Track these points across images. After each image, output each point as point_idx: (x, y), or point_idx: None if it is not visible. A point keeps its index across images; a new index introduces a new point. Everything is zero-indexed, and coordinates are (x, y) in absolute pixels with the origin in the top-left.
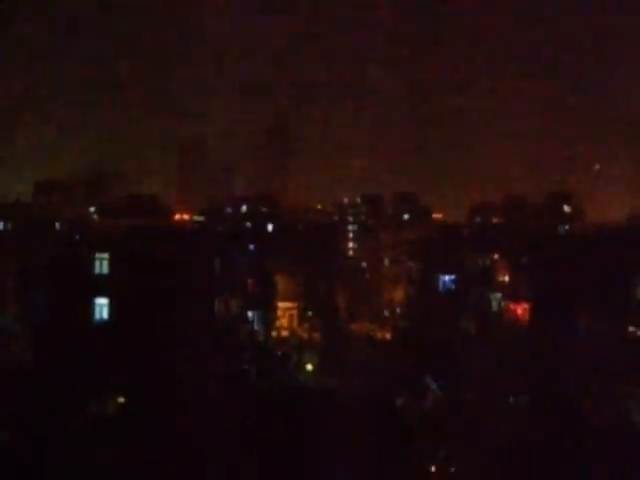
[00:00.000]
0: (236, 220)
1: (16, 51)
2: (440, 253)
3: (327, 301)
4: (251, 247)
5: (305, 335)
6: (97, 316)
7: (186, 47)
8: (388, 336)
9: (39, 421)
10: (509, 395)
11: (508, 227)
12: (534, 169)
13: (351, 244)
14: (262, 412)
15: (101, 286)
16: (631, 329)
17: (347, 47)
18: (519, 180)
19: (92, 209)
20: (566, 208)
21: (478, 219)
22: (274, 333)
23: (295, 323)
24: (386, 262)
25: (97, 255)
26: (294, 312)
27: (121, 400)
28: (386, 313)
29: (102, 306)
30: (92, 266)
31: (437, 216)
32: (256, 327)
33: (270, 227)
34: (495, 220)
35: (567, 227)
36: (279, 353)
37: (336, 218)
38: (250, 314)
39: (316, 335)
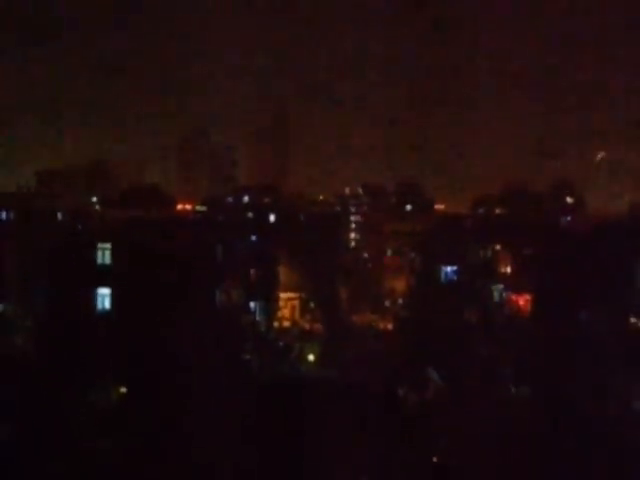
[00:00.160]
0: (238, 210)
1: (17, 39)
2: (442, 244)
3: (329, 292)
4: (253, 237)
5: (307, 326)
6: (99, 306)
7: (187, 36)
8: (390, 327)
9: (41, 410)
10: (510, 385)
11: (510, 218)
12: (536, 160)
13: (353, 235)
14: (264, 402)
15: (103, 276)
16: (633, 320)
17: (349, 35)
18: (521, 171)
19: (94, 199)
20: (568, 199)
21: (480, 210)
22: (276, 324)
23: (297, 314)
24: (388, 253)
25: (99, 245)
26: (296, 303)
27: (123, 390)
28: (388, 304)
29: (104, 296)
30: (94, 256)
31: (439, 207)
32: (258, 318)
33: (272, 218)
34: (497, 211)
35: (569, 218)
36: (281, 344)
37: (338, 209)
38: (252, 305)
39: (318, 326)
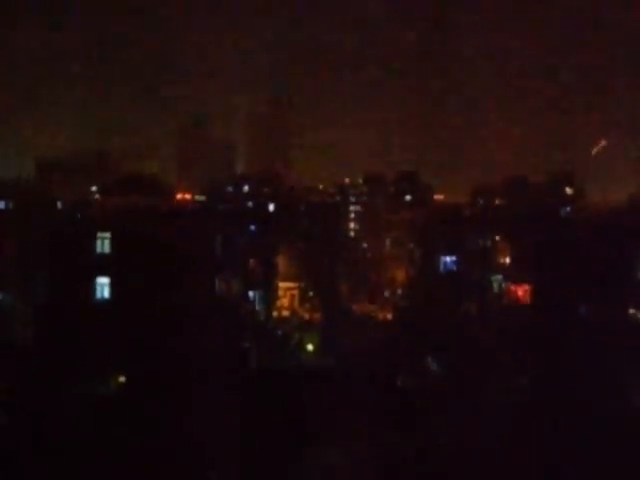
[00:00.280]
0: (237, 200)
1: (17, 27)
2: (441, 234)
3: (328, 281)
4: (252, 227)
5: (306, 315)
6: (98, 295)
7: (187, 26)
8: (389, 316)
9: (40, 399)
10: (509, 376)
11: (509, 209)
12: (536, 150)
13: (352, 224)
14: (263, 391)
15: (102, 265)
16: (632, 311)
17: (350, 24)
18: (521, 161)
19: (94, 188)
20: (568, 190)
21: (480, 200)
22: (275, 313)
23: (296, 303)
24: (387, 243)
25: (98, 234)
26: (295, 292)
27: (122, 379)
28: (387, 294)
29: (103, 285)
30: (93, 245)
31: (439, 197)
32: (257, 307)
33: (272, 207)
34: (497, 202)
35: (569, 208)
36: (280, 333)
37: (338, 198)
38: (251, 294)
39: (317, 315)
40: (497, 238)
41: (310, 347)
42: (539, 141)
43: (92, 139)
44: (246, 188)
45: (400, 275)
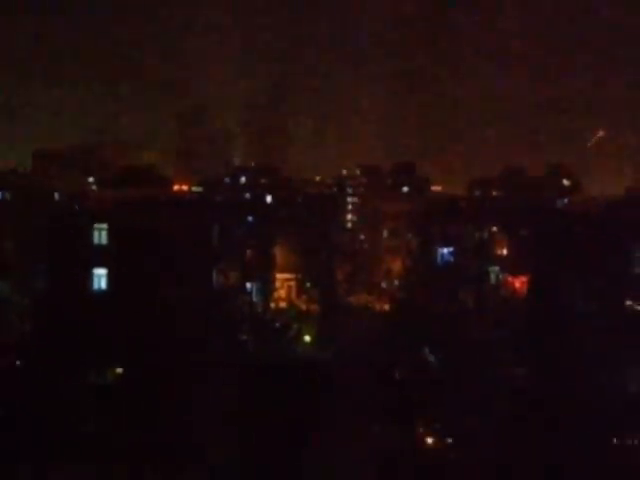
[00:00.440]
0: (235, 191)
1: (14, 19)
2: (438, 225)
3: (325, 273)
4: (250, 218)
5: (303, 306)
6: (95, 286)
7: (185, 16)
8: (386, 308)
9: (37, 390)
10: (506, 367)
11: (507, 200)
12: (533, 142)
13: (350, 216)
14: (260, 383)
15: (99, 256)
16: (628, 303)
17: (348, 16)
18: (518, 153)
19: (91, 179)
20: (565, 181)
21: (477, 192)
22: (272, 304)
23: (293, 294)
24: (385, 234)
25: (95, 225)
26: (292, 283)
27: (119, 370)
28: (384, 285)
29: (100, 276)
30: (90, 236)
31: (436, 188)
32: (254, 298)
33: (269, 198)
34: (494, 193)
35: (566, 200)
36: (277, 324)
37: (335, 190)
38: (248, 285)
39: (314, 307)
40: (494, 230)
41: (307, 338)
42: (536, 133)
43: (89, 131)
44: (243, 179)
45: (397, 266)
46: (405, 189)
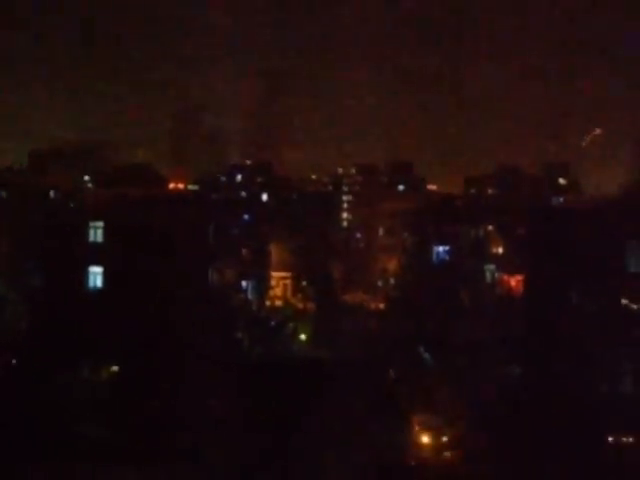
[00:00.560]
0: (231, 189)
1: (10, 17)
2: (434, 224)
3: (321, 271)
4: (246, 216)
5: (299, 305)
6: (91, 284)
7: (181, 15)
8: (382, 306)
9: (33, 389)
10: (501, 365)
11: (503, 199)
12: (529, 140)
13: (345, 214)
14: (255, 381)
15: (95, 254)
16: (624, 302)
17: (343, 14)
18: (514, 151)
19: (87, 177)
20: (561, 180)
21: (473, 190)
22: (268, 302)
23: (289, 293)
24: (380, 232)
25: (91, 223)
26: (288, 282)
27: (114, 368)
28: (380, 283)
29: (96, 274)
30: (86, 234)
31: (432, 187)
32: (250, 296)
33: (265, 197)
34: (490, 191)
35: (561, 199)
36: (273, 323)
37: (331, 188)
38: (244, 283)
39: (310, 305)
40: (490, 228)
41: (303, 337)
42: (533, 131)
43: (85, 129)
44: (239, 177)
45: (393, 265)
46: (401, 188)
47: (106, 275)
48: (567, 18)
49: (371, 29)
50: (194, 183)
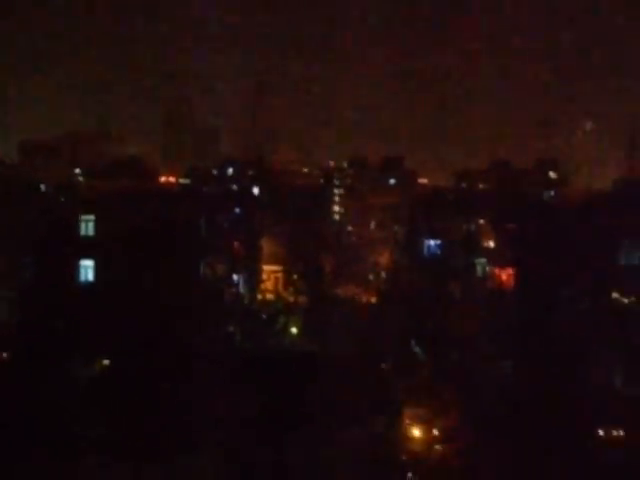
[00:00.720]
0: (222, 183)
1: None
2: (425, 218)
3: (313, 264)
4: (237, 210)
5: (291, 298)
6: (82, 278)
7: (174, 11)
8: (373, 300)
9: (24, 383)
10: (493, 360)
11: (493, 193)
12: (520, 134)
13: (337, 208)
14: (247, 375)
15: (86, 248)
16: (615, 295)
17: (335, 7)
18: (505, 145)
19: (77, 171)
20: (551, 174)
21: (464, 184)
22: (259, 296)
23: (280, 286)
24: (372, 226)
25: (82, 217)
26: (279, 275)
27: (106, 362)
28: (371, 277)
29: (87, 268)
30: (77, 228)
31: (423, 181)
32: (241, 290)
33: (256, 190)
34: (481, 186)
35: (552, 193)
36: (264, 316)
37: (322, 181)
38: (235, 277)
39: (301, 298)
40: (481, 222)
41: (294, 330)
42: (523, 125)
43: (76, 123)
44: (230, 171)
45: (384, 259)
46: (392, 181)
47: (97, 269)
48: (559, 16)
49: (362, 23)
50: (185, 176)
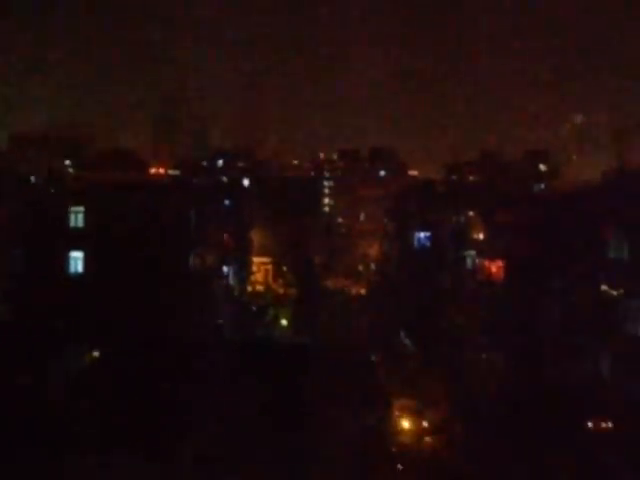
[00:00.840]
0: (212, 174)
1: None
2: (415, 210)
3: (302, 256)
4: (227, 202)
5: (280, 290)
6: (72, 269)
7: (166, 4)
8: (363, 291)
9: (12, 375)
10: (482, 351)
11: (484, 185)
12: (511, 126)
13: (327, 199)
14: (236, 366)
15: (76, 239)
16: (604, 288)
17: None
18: (496, 137)
19: (67, 162)
20: (542, 166)
21: (454, 176)
22: (249, 288)
23: (270, 278)
24: (362, 218)
25: (72, 208)
26: (269, 267)
27: (95, 354)
28: (361, 268)
29: (77, 259)
30: (67, 219)
31: (413, 173)
32: (231, 282)
33: (246, 182)
34: (471, 178)
35: (543, 185)
36: (254, 308)
37: (312, 173)
38: (225, 269)
39: (291, 290)
40: (471, 214)
41: (284, 322)
42: (514, 117)
43: (66, 114)
44: (220, 162)
45: (374, 250)
46: (382, 173)
47: (87, 260)
48: (550, 13)
49: (356, 19)
50: (175, 168)
